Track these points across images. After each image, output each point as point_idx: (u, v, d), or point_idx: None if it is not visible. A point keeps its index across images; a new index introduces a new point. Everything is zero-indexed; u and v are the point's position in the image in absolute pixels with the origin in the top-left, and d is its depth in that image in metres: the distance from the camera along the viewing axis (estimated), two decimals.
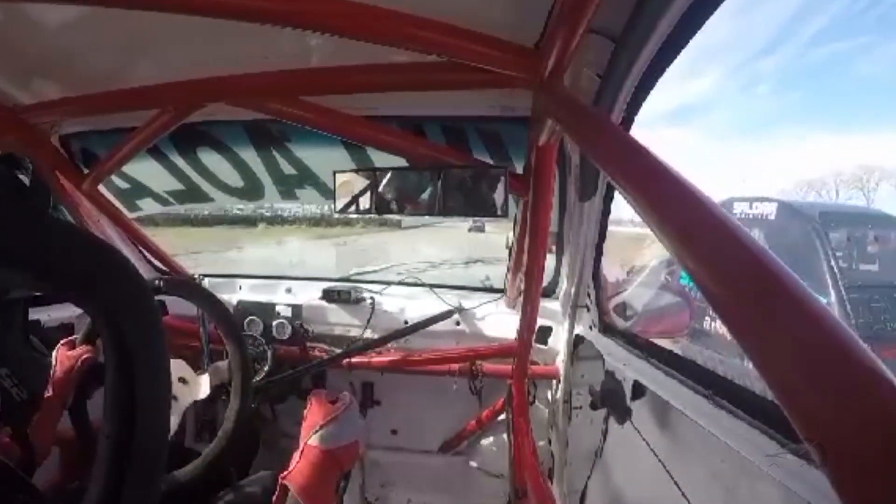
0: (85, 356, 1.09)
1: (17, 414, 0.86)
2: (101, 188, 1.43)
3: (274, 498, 0.68)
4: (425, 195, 0.97)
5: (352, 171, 1.04)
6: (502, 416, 1.65)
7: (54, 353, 1.09)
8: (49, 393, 1.02)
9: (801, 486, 0.59)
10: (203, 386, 1.24)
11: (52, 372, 1.06)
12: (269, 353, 1.63)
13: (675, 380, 0.97)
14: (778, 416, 0.67)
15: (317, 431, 0.73)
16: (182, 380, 1.23)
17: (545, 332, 1.58)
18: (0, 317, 1.01)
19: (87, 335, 1.14)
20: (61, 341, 1.13)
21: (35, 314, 1.34)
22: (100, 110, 1.18)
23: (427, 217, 1.02)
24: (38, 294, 1.26)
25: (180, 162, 1.48)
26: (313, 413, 0.78)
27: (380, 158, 1.30)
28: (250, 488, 1.12)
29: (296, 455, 0.72)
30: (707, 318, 4.23)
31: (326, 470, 0.71)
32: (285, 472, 0.69)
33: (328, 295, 1.74)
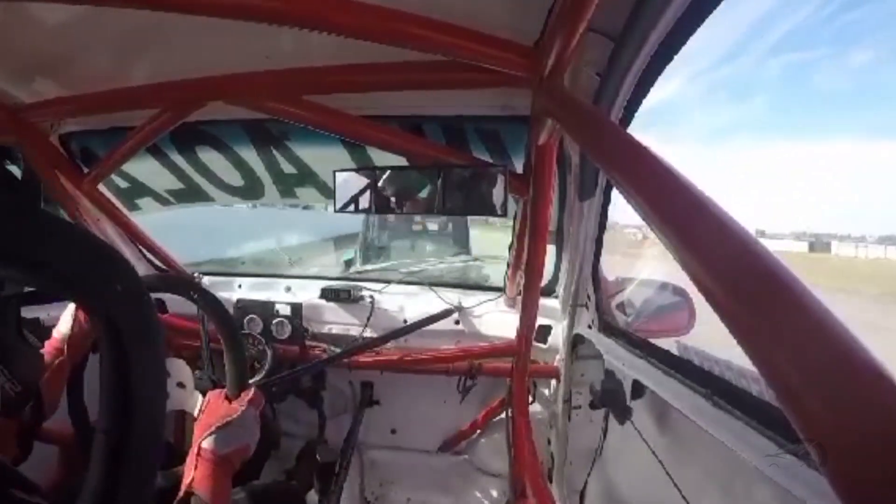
0: None
1: (12, 407, 0.87)
2: (101, 187, 1.43)
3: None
4: (425, 194, 0.97)
5: (352, 170, 1.03)
6: (502, 416, 1.65)
7: (73, 313, 1.04)
8: (63, 354, 1.01)
9: (800, 487, 0.59)
10: (197, 403, 1.17)
11: (69, 329, 1.02)
12: (269, 353, 1.63)
13: (675, 379, 0.97)
14: (777, 417, 0.67)
15: (211, 434, 0.75)
16: (180, 384, 1.21)
17: (545, 331, 1.58)
18: None
19: None
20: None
21: (34, 312, 1.34)
22: (100, 109, 1.18)
23: None
24: (33, 291, 1.25)
25: (180, 161, 1.48)
26: (209, 412, 0.79)
27: (380, 158, 1.30)
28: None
29: (191, 457, 0.74)
30: None
31: (222, 472, 0.74)
32: (189, 480, 0.71)
33: (327, 294, 1.73)
